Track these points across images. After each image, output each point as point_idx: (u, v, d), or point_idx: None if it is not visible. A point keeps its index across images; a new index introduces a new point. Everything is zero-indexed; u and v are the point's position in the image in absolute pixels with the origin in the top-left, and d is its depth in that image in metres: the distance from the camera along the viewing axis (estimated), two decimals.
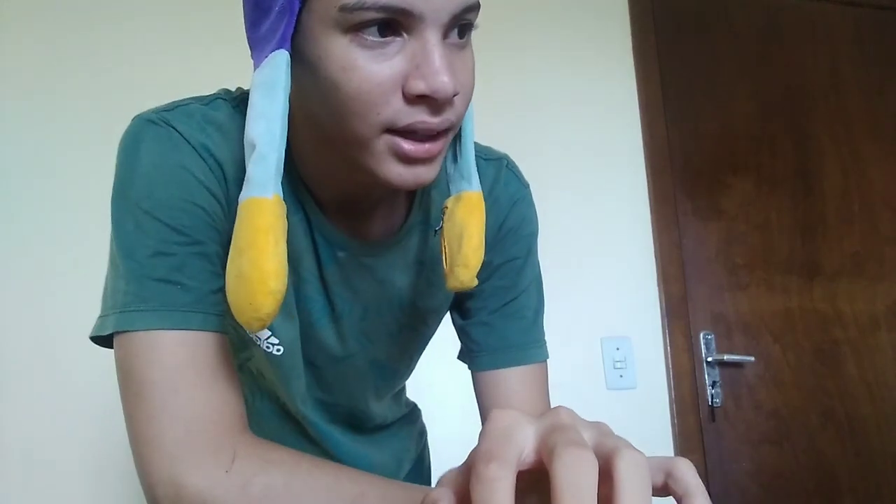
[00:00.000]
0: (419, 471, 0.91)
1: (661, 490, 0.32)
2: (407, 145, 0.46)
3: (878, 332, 1.93)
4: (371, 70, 0.44)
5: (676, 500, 0.32)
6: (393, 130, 0.46)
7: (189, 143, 0.52)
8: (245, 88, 0.59)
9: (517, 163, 0.71)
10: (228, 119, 0.55)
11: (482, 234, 0.54)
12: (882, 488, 1.83)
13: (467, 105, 0.50)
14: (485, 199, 0.66)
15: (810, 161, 1.99)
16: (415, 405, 0.93)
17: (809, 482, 1.79)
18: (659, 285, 1.78)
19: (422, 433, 0.94)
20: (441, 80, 0.44)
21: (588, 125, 1.81)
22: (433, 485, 0.92)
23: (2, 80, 1.42)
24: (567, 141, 1.78)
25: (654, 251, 1.79)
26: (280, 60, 0.45)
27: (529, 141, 1.72)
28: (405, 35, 0.44)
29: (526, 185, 0.70)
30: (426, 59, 0.44)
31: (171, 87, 0.74)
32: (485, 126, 0.89)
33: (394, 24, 0.44)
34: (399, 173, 0.48)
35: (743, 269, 1.87)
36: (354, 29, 0.43)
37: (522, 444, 0.30)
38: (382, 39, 0.44)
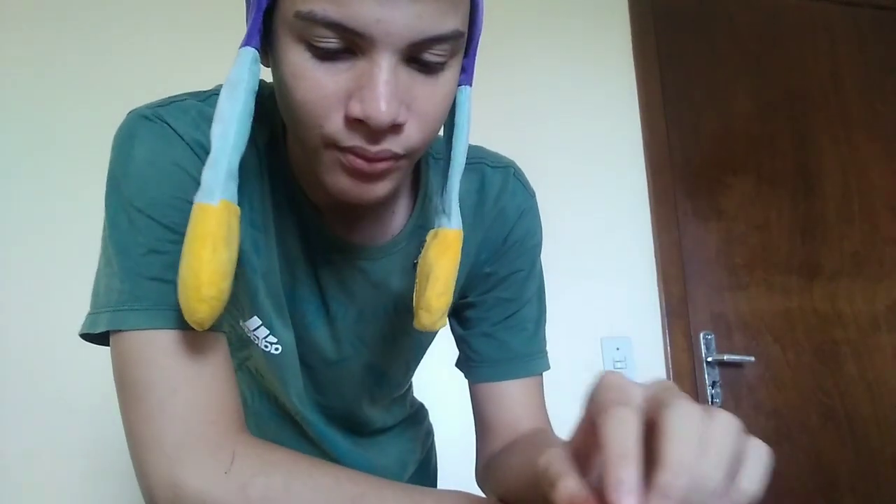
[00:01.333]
0: (425, 472, 0.90)
1: None
2: (356, 161, 0.45)
3: (878, 332, 1.93)
4: (318, 81, 0.43)
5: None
6: (336, 147, 0.46)
7: (183, 139, 0.52)
8: None
9: (516, 163, 0.70)
10: None
11: (450, 278, 0.52)
12: (882, 488, 1.83)
13: (426, 136, 0.47)
14: (490, 209, 0.65)
15: (810, 161, 1.99)
16: (421, 405, 0.92)
17: (809, 482, 1.79)
18: (659, 285, 1.78)
19: (428, 434, 0.92)
20: (376, 106, 0.42)
21: (588, 125, 1.81)
22: (439, 486, 0.92)
23: (2, 80, 1.42)
24: (567, 141, 1.78)
25: (654, 251, 1.79)
26: (246, 58, 0.45)
27: (529, 141, 1.71)
28: (359, 53, 0.43)
29: (532, 195, 0.69)
30: (369, 82, 0.42)
31: (169, 83, 0.74)
32: (484, 127, 0.89)
33: (347, 41, 0.42)
34: (346, 186, 0.47)
35: (743, 269, 1.87)
36: (307, 38, 0.43)
37: (640, 401, 0.32)
38: (332, 53, 0.43)
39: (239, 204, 0.55)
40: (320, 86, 0.44)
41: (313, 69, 0.43)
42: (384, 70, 0.42)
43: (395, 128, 0.45)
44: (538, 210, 0.70)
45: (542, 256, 0.72)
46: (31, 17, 1.46)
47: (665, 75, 1.91)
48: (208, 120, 0.53)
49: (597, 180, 1.79)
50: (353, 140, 0.45)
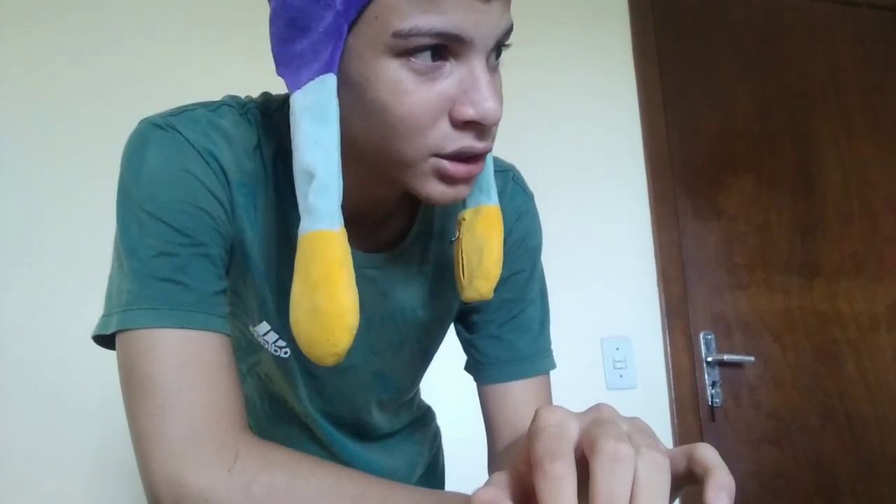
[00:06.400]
0: (432, 474, 0.90)
1: (686, 477, 0.34)
2: (452, 168, 0.48)
3: (878, 332, 1.93)
4: (420, 94, 0.45)
5: (700, 481, 0.33)
6: (439, 154, 0.47)
7: (193, 147, 0.53)
8: (253, 96, 0.60)
9: (517, 163, 0.71)
10: (234, 126, 0.55)
11: (501, 248, 0.56)
12: (882, 488, 1.84)
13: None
14: None
15: (810, 161, 1.99)
16: (428, 408, 0.92)
17: (809, 482, 1.79)
18: (659, 285, 1.78)
19: (436, 436, 0.92)
20: (490, 106, 0.45)
21: (588, 125, 1.81)
22: (446, 488, 0.92)
23: (3, 81, 1.43)
24: (567, 141, 1.78)
25: (654, 251, 1.80)
26: (329, 85, 0.46)
27: (529, 141, 1.72)
28: (453, 60, 0.45)
29: (531, 197, 0.71)
30: (474, 84, 0.45)
31: (175, 89, 0.74)
32: None
33: (443, 50, 0.45)
34: (442, 192, 0.49)
35: (743, 269, 1.87)
36: (406, 54, 0.44)
37: (574, 439, 0.32)
38: (433, 64, 0.45)
39: (246, 212, 0.55)
40: (425, 98, 0.45)
41: (414, 83, 0.45)
42: (483, 71, 0.46)
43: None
44: (537, 212, 0.71)
45: (542, 256, 0.72)
46: (36, 19, 1.46)
47: (665, 75, 1.91)
48: (218, 129, 0.54)
49: (597, 180, 1.79)
50: (462, 141, 0.47)
